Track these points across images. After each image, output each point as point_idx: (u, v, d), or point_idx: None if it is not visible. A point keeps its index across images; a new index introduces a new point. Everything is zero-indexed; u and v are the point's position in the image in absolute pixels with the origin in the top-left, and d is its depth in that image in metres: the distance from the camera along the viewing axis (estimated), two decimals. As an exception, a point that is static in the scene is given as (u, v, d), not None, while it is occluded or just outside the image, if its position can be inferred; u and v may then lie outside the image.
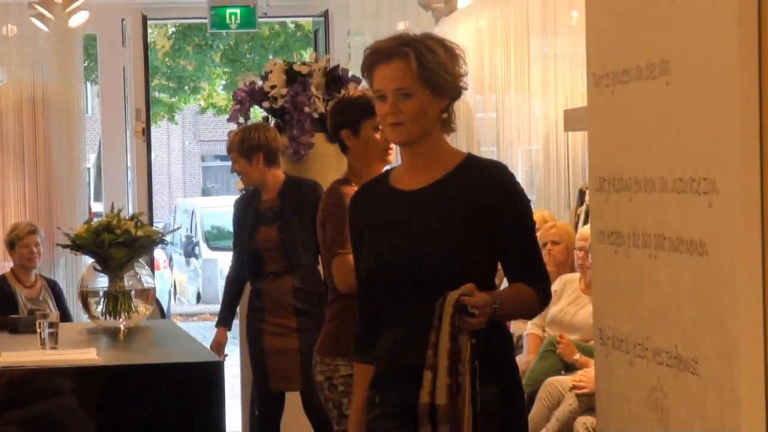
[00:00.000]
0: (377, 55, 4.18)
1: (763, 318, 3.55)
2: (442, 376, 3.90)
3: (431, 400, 3.82)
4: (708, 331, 3.72)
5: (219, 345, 8.86)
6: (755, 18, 3.52)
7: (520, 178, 11.76)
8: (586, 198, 6.73)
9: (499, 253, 4.26)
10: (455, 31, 12.07)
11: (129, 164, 13.03)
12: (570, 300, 8.77)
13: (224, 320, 8.78)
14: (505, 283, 4.64)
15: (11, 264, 11.36)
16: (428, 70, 4.06)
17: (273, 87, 8.96)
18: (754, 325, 3.52)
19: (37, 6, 10.72)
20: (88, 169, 13.50)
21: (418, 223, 4.16)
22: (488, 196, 4.21)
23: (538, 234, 6.22)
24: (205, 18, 12.62)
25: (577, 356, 7.74)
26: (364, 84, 6.68)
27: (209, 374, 7.04)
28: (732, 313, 3.56)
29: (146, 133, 12.73)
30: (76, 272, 10.11)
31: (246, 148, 7.97)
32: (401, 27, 11.53)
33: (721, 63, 3.57)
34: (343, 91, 8.16)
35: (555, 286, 8.39)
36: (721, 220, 3.58)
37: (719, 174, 3.57)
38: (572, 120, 7.21)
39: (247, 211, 8.38)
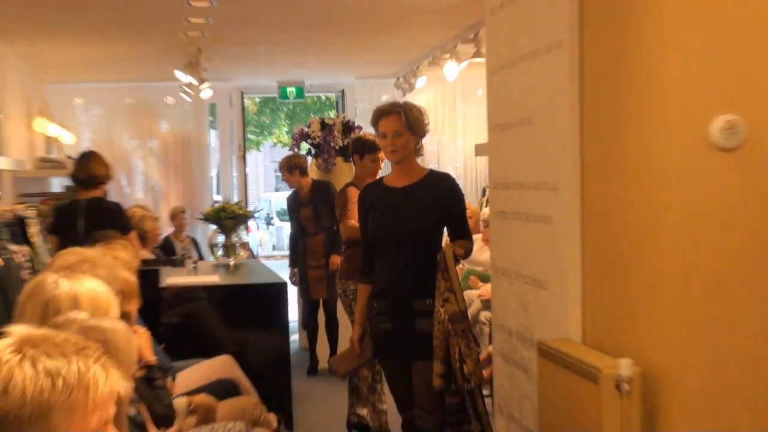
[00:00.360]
0: (381, 113, 6.37)
1: (581, 259, 4.51)
2: (459, 294, 5.83)
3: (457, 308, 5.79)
4: (551, 265, 4.73)
5: (292, 276, 11.70)
6: (578, 94, 4.45)
7: (464, 179, 14.16)
8: (487, 193, 8.14)
9: (446, 223, 6.39)
10: (415, 99, 14.13)
11: (234, 174, 16.48)
12: (477, 248, 10.12)
13: (293, 262, 11.72)
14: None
15: (173, 229, 13.95)
16: (410, 121, 6.23)
17: (313, 131, 11.19)
18: (575, 263, 4.51)
19: (184, 87, 13.39)
20: (212, 177, 16.30)
21: (404, 206, 6.25)
22: (443, 192, 6.37)
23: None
24: (276, 93, 15.92)
25: (479, 285, 10.02)
26: (365, 129, 9.90)
27: (279, 290, 8.70)
28: (563, 255, 4.58)
29: (243, 157, 16.45)
30: (206, 234, 12.50)
31: (288, 167, 11.02)
32: (384, 98, 14.10)
33: (559, 121, 4.58)
34: (358, 133, 10.55)
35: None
36: (559, 204, 4.61)
37: (559, 180, 4.61)
38: (480, 150, 8.71)
39: (294, 200, 11.46)
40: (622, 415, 3.77)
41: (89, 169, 8.43)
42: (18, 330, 2.51)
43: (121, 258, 5.00)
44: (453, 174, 14.58)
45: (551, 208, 4.74)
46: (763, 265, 3.71)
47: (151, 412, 4.32)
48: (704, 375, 3.72)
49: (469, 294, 10.63)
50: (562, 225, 4.61)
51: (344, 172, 10.90)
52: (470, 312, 10.41)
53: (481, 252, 10.34)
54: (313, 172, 11.24)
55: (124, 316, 4.40)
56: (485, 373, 5.92)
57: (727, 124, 3.63)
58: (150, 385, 4.67)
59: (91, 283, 3.71)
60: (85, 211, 8.03)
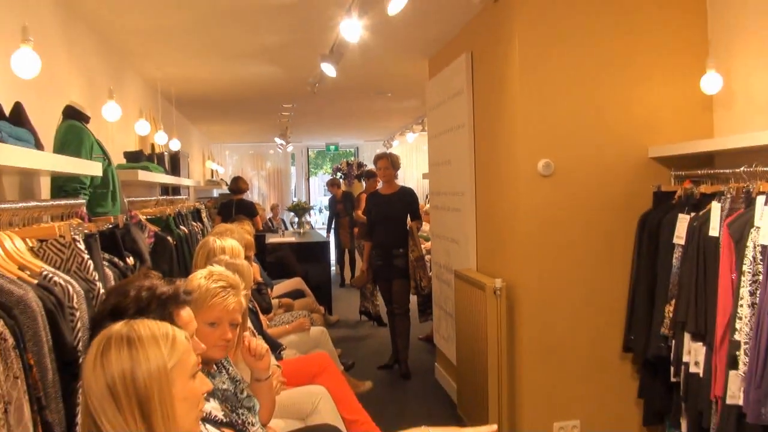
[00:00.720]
0: (378, 157, 6.22)
1: (475, 229, 4.45)
2: (418, 246, 5.73)
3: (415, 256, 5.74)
4: (461, 232, 4.66)
5: (328, 237, 10.66)
6: (473, 148, 4.42)
7: (417, 192, 14.21)
8: (428, 197, 8.21)
9: (410, 212, 6.00)
10: (393, 151, 13.58)
11: (302, 188, 15.49)
12: (424, 224, 10.54)
13: (328, 231, 10.93)
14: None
15: (272, 214, 12.93)
16: (393, 161, 6.09)
17: (342, 167, 11.08)
18: (472, 231, 4.45)
19: (278, 145, 12.95)
20: (292, 189, 15.59)
21: (389, 204, 5.95)
22: (408, 197, 6.09)
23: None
24: (324, 148, 15.35)
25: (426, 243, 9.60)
26: (369, 166, 9.70)
27: (324, 245, 8.63)
28: (466, 227, 4.52)
29: (308, 179, 15.43)
30: (289, 217, 11.97)
31: (330, 184, 10.81)
32: (378, 151, 13.84)
33: (465, 160, 4.53)
34: (365, 168, 10.30)
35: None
36: (465, 202, 4.55)
37: (464, 190, 4.56)
38: (425, 176, 7.57)
39: (333, 201, 10.90)
40: (497, 307, 3.78)
41: (237, 184, 8.61)
42: (200, 271, 2.58)
43: (246, 229, 5.06)
44: (413, 188, 14.65)
45: (461, 203, 4.71)
46: (567, 230, 3.70)
47: (259, 305, 4.38)
48: (538, 286, 3.71)
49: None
50: (466, 212, 4.58)
51: (358, 188, 11.00)
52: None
53: (425, 226, 10.43)
54: (343, 187, 11.21)
55: (247, 258, 4.54)
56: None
57: (546, 163, 3.66)
58: (259, 292, 4.72)
59: (231, 241, 3.71)
60: (235, 206, 8.14)
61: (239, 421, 2.47)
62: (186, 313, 2.02)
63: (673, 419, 3.45)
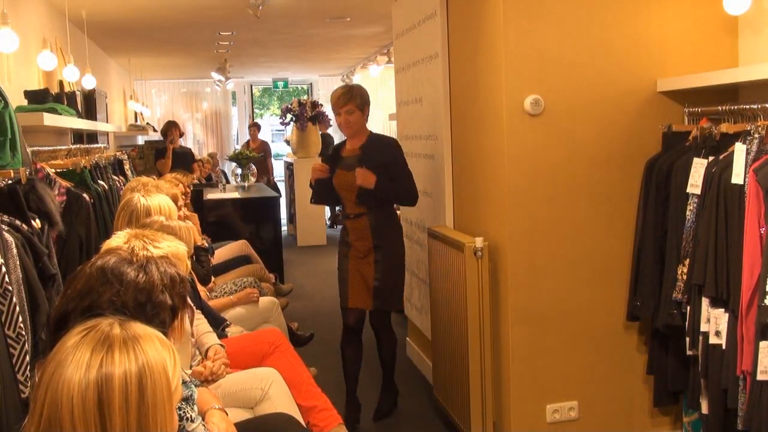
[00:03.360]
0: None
1: (452, 179, 4.44)
2: None
3: None
4: (435, 184, 4.67)
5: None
6: (448, 83, 4.38)
7: None
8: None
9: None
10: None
11: (246, 132, 14.45)
12: None
13: None
14: None
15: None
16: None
17: (293, 107, 10.68)
18: (449, 182, 4.44)
19: (216, 82, 12.89)
20: (233, 134, 15.32)
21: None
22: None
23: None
24: (271, 85, 15.09)
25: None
26: (325, 106, 9.65)
27: (275, 201, 8.52)
28: (441, 177, 4.51)
29: (253, 121, 14.49)
30: (230, 168, 10.93)
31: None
32: (334, 87, 14.34)
33: (438, 98, 4.50)
34: (321, 108, 10.54)
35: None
36: (439, 147, 4.53)
37: (438, 133, 4.54)
38: (392, 117, 7.53)
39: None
40: (478, 270, 3.74)
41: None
42: (123, 232, 2.46)
43: (180, 179, 5.03)
44: (376, 130, 14.61)
45: (434, 149, 4.68)
46: (560, 179, 3.65)
47: (196, 274, 4.29)
48: (527, 245, 3.66)
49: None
50: (441, 160, 4.56)
51: (312, 133, 10.88)
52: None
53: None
54: (295, 132, 11.04)
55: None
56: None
57: (534, 100, 3.59)
58: (196, 259, 4.64)
59: (160, 198, 3.65)
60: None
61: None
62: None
63: (690, 398, 3.44)
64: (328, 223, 12.13)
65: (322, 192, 4.49)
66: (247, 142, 12.78)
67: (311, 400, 3.51)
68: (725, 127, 3.31)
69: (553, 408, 3.73)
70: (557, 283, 3.70)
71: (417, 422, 4.41)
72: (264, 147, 12.42)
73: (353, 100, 4.27)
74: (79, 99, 6.25)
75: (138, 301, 1.88)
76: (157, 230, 2.80)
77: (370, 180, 4.17)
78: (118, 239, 2.40)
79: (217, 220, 7.86)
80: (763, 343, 2.78)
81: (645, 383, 3.79)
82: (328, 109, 11.58)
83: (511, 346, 3.69)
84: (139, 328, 1.54)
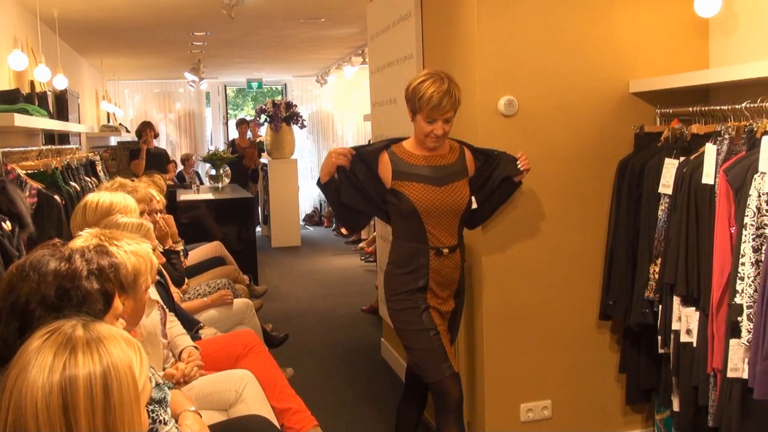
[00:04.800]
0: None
1: None
2: None
3: None
4: None
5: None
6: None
7: (356, 136, 13.52)
8: (371, 142, 7.89)
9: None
10: (325, 90, 14.00)
11: (220, 133, 14.90)
12: None
13: None
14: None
15: (181, 167, 12.54)
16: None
17: (268, 108, 10.68)
18: None
19: (190, 82, 12.66)
20: (207, 135, 15.02)
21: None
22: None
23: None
24: (245, 86, 14.79)
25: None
26: (299, 107, 10.04)
27: (249, 202, 8.44)
28: None
29: (226, 123, 14.61)
30: (204, 169, 11.15)
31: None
32: (309, 89, 14.19)
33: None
34: (294, 109, 10.46)
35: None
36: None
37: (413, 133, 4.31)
38: (366, 117, 6.94)
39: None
40: None
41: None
42: (85, 231, 2.44)
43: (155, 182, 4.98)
44: (348, 134, 14.40)
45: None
46: (533, 179, 3.56)
47: (169, 276, 4.27)
48: (499, 245, 3.63)
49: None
50: None
51: (286, 133, 10.89)
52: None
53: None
54: (269, 133, 11.03)
55: (157, 212, 4.50)
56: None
57: (508, 101, 3.59)
58: (169, 260, 4.61)
59: (128, 200, 3.61)
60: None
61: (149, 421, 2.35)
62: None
63: (662, 396, 3.48)
64: (302, 224, 12.09)
65: (350, 197, 3.32)
66: (233, 141, 12.74)
67: (286, 401, 3.51)
68: (696, 128, 3.36)
69: (527, 407, 3.73)
70: (530, 283, 3.69)
71: (390, 424, 4.39)
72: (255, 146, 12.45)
73: (456, 105, 3.14)
74: (50, 99, 6.18)
75: (62, 289, 1.85)
76: (114, 228, 2.80)
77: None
78: (80, 239, 2.38)
79: (190, 222, 7.79)
80: (733, 341, 2.82)
81: (617, 381, 3.81)
82: (301, 110, 11.61)
83: (486, 347, 3.68)
84: (103, 328, 1.52)
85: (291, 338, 5.61)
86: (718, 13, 3.49)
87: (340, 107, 14.37)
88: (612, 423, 3.85)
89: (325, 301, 7.64)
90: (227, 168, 9.78)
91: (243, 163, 11.80)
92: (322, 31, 8.81)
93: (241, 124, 12.63)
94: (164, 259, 3.29)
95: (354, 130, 14.17)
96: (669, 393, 3.39)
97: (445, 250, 3.18)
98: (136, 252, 2.39)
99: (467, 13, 3.66)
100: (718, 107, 3.29)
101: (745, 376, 2.75)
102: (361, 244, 10.27)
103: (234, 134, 13.04)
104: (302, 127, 11.81)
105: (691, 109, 3.45)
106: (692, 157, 3.23)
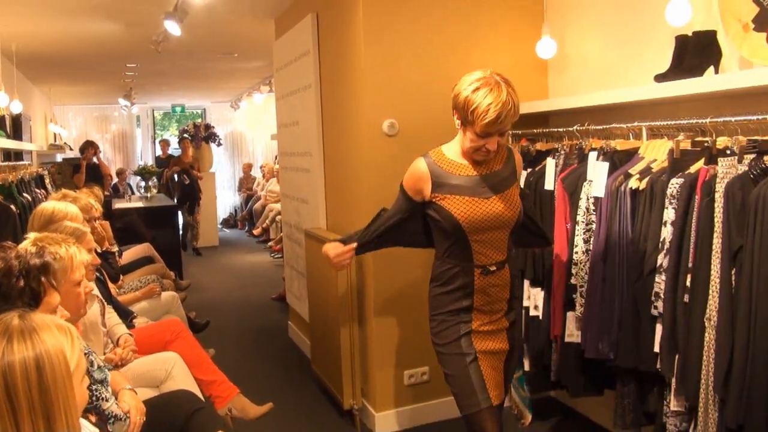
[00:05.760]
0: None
1: (324, 189, 4.37)
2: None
3: None
4: (310, 192, 4.56)
5: None
6: (320, 109, 4.32)
7: (265, 152, 13.33)
8: (277, 158, 7.86)
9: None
10: (238, 114, 13.56)
11: (149, 150, 14.05)
12: (273, 184, 10.59)
13: None
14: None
15: (116, 179, 11.89)
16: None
17: (189, 129, 10.54)
18: (321, 191, 4.37)
19: (123, 107, 12.09)
20: (138, 152, 14.32)
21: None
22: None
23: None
24: (170, 110, 14.22)
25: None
26: (216, 128, 9.58)
27: (174, 209, 8.13)
28: (315, 187, 4.41)
29: (154, 142, 13.74)
30: (136, 180, 10.81)
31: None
32: (225, 112, 13.62)
33: (312, 121, 4.42)
34: (212, 130, 10.24)
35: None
36: (313, 162, 4.43)
37: (312, 149, 4.44)
38: (274, 137, 6.96)
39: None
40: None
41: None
42: (30, 235, 2.38)
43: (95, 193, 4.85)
44: (258, 151, 14.22)
45: (309, 164, 4.62)
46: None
47: (107, 273, 4.15)
48: None
49: (271, 206, 10.60)
50: (315, 172, 4.50)
51: (206, 150, 10.69)
52: (272, 215, 10.44)
53: (275, 186, 10.26)
54: (191, 150, 10.79)
55: (95, 219, 4.33)
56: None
57: (390, 123, 3.60)
58: (106, 260, 4.49)
59: (69, 207, 3.48)
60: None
61: (93, 398, 2.32)
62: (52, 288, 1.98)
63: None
64: (220, 227, 11.87)
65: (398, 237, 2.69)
66: (158, 157, 12.38)
67: (211, 375, 3.47)
68: (539, 146, 3.49)
69: (409, 373, 3.76)
70: (410, 272, 3.70)
71: (298, 391, 4.37)
72: (168, 159, 12.08)
73: (516, 116, 2.36)
74: (7, 122, 5.94)
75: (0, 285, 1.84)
76: (61, 232, 2.75)
77: None
78: (24, 243, 2.32)
79: (124, 227, 7.55)
80: (569, 313, 2.93)
81: (481, 350, 3.88)
82: (218, 131, 11.41)
83: (374, 325, 3.70)
84: (37, 318, 1.49)
85: (212, 324, 5.51)
86: (554, 55, 3.66)
87: (251, 128, 14.18)
88: (477, 383, 3.91)
89: (240, 291, 7.52)
90: (155, 179, 9.54)
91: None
92: (236, 64, 8.70)
93: (182, 140, 12.29)
94: (98, 261, 3.19)
95: (263, 147, 14.08)
96: (522, 356, 3.45)
97: (493, 268, 2.42)
98: (65, 252, 2.34)
99: (356, 48, 3.67)
100: (555, 129, 3.40)
101: (579, 340, 2.86)
102: (270, 243, 10.16)
103: (159, 151, 12.60)
104: (219, 144, 11.70)
105: (535, 130, 3.57)
106: (537, 169, 3.31)
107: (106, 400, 2.37)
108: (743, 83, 2.23)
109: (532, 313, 3.27)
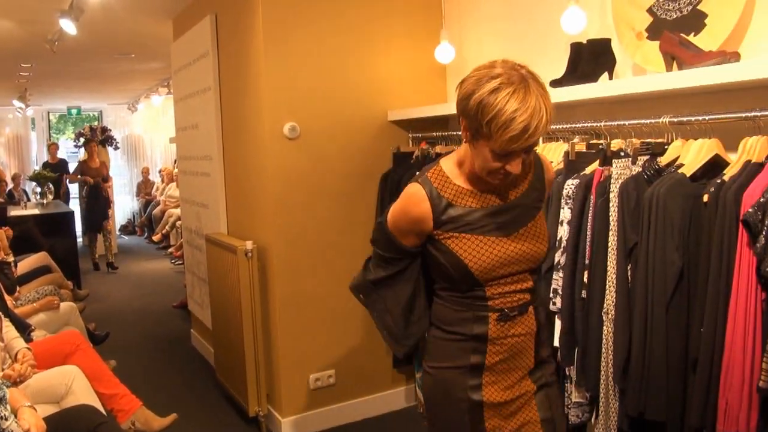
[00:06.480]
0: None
1: (224, 192, 4.25)
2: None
3: None
4: (210, 196, 4.44)
5: None
6: (219, 112, 4.21)
7: (164, 156, 12.80)
8: (176, 162, 7.70)
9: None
10: (135, 117, 12.98)
11: (44, 154, 12.51)
12: (173, 188, 10.13)
13: None
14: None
15: (12, 185, 10.90)
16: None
17: (85, 132, 9.93)
18: (222, 195, 4.28)
19: (17, 109, 11.29)
20: (33, 156, 13.32)
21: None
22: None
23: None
24: (66, 112, 13.32)
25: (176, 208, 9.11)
26: (113, 131, 9.02)
27: (70, 215, 7.62)
28: (216, 191, 4.31)
29: (50, 141, 12.38)
30: (31, 186, 9.56)
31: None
32: (122, 115, 12.97)
33: (211, 125, 4.31)
34: (109, 133, 9.49)
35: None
36: (214, 166, 4.33)
37: (212, 153, 4.33)
38: (173, 140, 6.52)
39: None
40: (249, 269, 3.65)
41: None
42: None
43: None
44: (157, 154, 13.70)
45: (209, 168, 4.50)
46: (313, 190, 3.62)
47: (3, 285, 3.92)
48: (288, 245, 3.59)
49: (171, 211, 10.25)
50: (215, 176, 4.39)
51: (102, 153, 10.25)
52: (172, 220, 10.06)
53: (175, 191, 9.94)
54: (97, 153, 10.25)
55: None
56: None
57: (291, 126, 3.54)
58: (2, 272, 4.23)
59: None
60: None
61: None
62: None
63: (419, 359, 3.49)
64: (118, 233, 11.38)
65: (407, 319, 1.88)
66: (46, 162, 11.70)
67: (112, 388, 3.37)
68: (439, 149, 3.49)
69: (315, 377, 3.71)
70: (314, 276, 3.67)
71: (202, 400, 4.24)
72: (61, 163, 11.44)
73: (548, 127, 1.62)
74: None
75: None
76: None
77: None
78: None
79: (20, 235, 7.07)
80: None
81: (386, 351, 3.86)
82: (116, 134, 10.94)
83: (279, 330, 3.63)
84: None
85: (112, 335, 5.24)
86: (452, 60, 3.68)
87: (149, 131, 13.68)
88: (382, 384, 3.91)
89: (140, 300, 7.23)
90: (51, 185, 9.04)
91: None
92: (133, 65, 8.38)
93: (87, 143, 11.56)
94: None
95: (162, 150, 13.58)
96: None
97: (514, 312, 1.76)
98: None
99: (255, 51, 3.58)
100: (454, 132, 3.44)
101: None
102: (170, 249, 9.84)
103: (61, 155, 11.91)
104: (116, 148, 11.21)
105: (435, 133, 3.60)
106: None
107: (5, 419, 2.24)
108: (637, 88, 2.27)
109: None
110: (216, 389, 4.36)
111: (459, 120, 1.65)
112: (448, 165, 1.79)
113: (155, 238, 10.83)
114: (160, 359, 5.17)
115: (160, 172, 12.52)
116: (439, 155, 3.40)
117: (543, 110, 1.53)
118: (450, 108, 3.48)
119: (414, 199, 1.75)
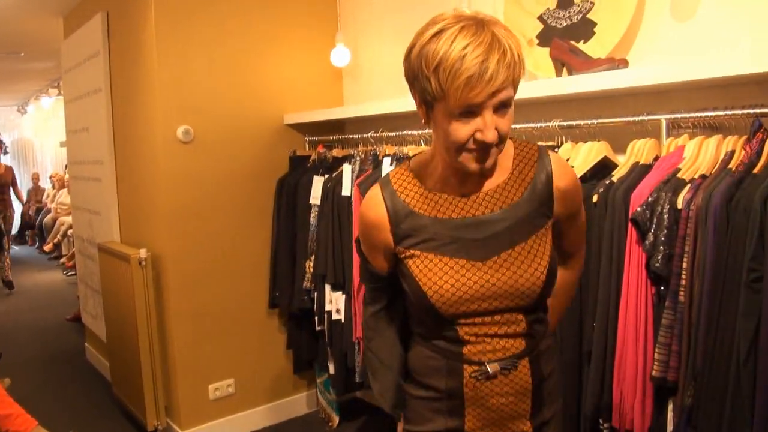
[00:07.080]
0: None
1: (117, 198, 4.08)
2: None
3: None
4: (102, 203, 4.20)
5: None
6: (110, 115, 4.04)
7: (55, 161, 12.12)
8: (67, 168, 7.23)
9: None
10: (26, 119, 12.03)
11: None
12: (65, 195, 9.68)
13: None
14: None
15: None
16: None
17: None
18: (114, 201, 4.10)
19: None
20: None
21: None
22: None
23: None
24: None
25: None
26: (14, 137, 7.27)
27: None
28: (107, 197, 4.10)
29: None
30: None
31: None
32: (12, 118, 12.00)
33: (102, 128, 4.13)
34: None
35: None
36: (105, 171, 4.13)
37: (103, 158, 4.13)
38: (63, 144, 6.77)
39: None
40: (143, 278, 3.50)
41: None
42: None
43: None
44: (48, 159, 12.93)
45: (101, 173, 4.29)
46: (209, 196, 3.51)
47: None
48: (183, 253, 3.47)
49: (63, 219, 9.75)
50: (107, 182, 4.19)
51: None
52: (64, 229, 9.56)
53: (66, 198, 9.45)
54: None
55: None
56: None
57: (185, 130, 3.42)
58: None
59: None
60: None
61: None
62: None
63: (321, 363, 3.57)
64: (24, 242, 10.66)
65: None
66: None
67: (6, 409, 3.05)
68: (336, 152, 3.48)
69: (214, 387, 3.60)
70: (211, 283, 3.56)
71: (99, 416, 4.01)
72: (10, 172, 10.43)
73: (519, 70, 1.19)
74: None
75: None
76: None
77: None
78: None
79: None
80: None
81: (286, 356, 3.82)
82: (4, 137, 10.26)
83: (176, 340, 3.50)
84: None
85: (4, 351, 4.93)
86: (348, 64, 3.67)
87: (39, 135, 12.95)
88: (284, 390, 3.85)
89: (32, 313, 6.81)
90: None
91: None
92: (22, 65, 7.92)
93: None
94: None
95: (53, 155, 12.82)
96: (326, 360, 3.46)
97: (493, 367, 1.33)
98: None
99: (148, 51, 3.44)
100: (351, 136, 3.43)
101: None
102: (62, 260, 9.36)
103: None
104: (5, 153, 10.54)
105: (331, 137, 3.58)
106: (334, 175, 3.30)
107: None
108: (528, 94, 2.30)
109: (335, 317, 3.25)
110: (113, 404, 4.16)
111: (412, 96, 1.27)
112: (416, 162, 1.40)
113: (46, 248, 10.27)
114: (55, 376, 4.89)
115: (50, 178, 11.86)
116: (336, 159, 3.42)
117: (505, 46, 1.15)
118: (346, 111, 3.48)
119: (368, 201, 1.40)
